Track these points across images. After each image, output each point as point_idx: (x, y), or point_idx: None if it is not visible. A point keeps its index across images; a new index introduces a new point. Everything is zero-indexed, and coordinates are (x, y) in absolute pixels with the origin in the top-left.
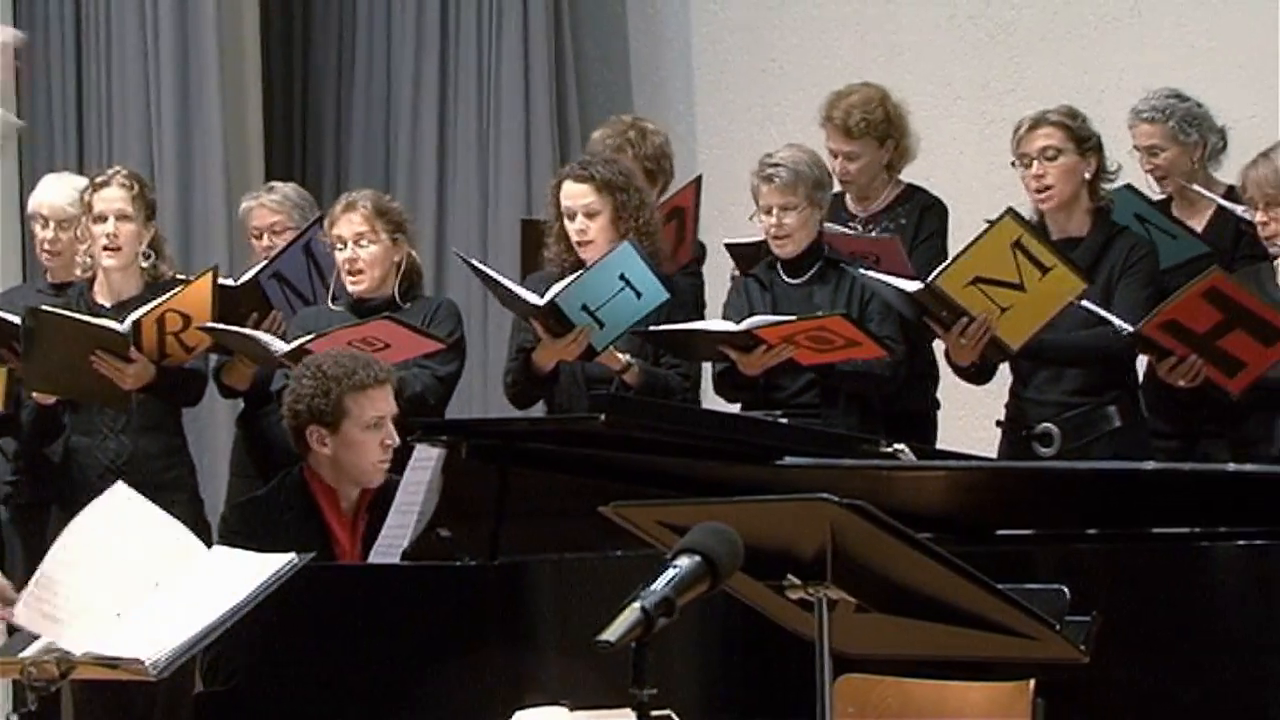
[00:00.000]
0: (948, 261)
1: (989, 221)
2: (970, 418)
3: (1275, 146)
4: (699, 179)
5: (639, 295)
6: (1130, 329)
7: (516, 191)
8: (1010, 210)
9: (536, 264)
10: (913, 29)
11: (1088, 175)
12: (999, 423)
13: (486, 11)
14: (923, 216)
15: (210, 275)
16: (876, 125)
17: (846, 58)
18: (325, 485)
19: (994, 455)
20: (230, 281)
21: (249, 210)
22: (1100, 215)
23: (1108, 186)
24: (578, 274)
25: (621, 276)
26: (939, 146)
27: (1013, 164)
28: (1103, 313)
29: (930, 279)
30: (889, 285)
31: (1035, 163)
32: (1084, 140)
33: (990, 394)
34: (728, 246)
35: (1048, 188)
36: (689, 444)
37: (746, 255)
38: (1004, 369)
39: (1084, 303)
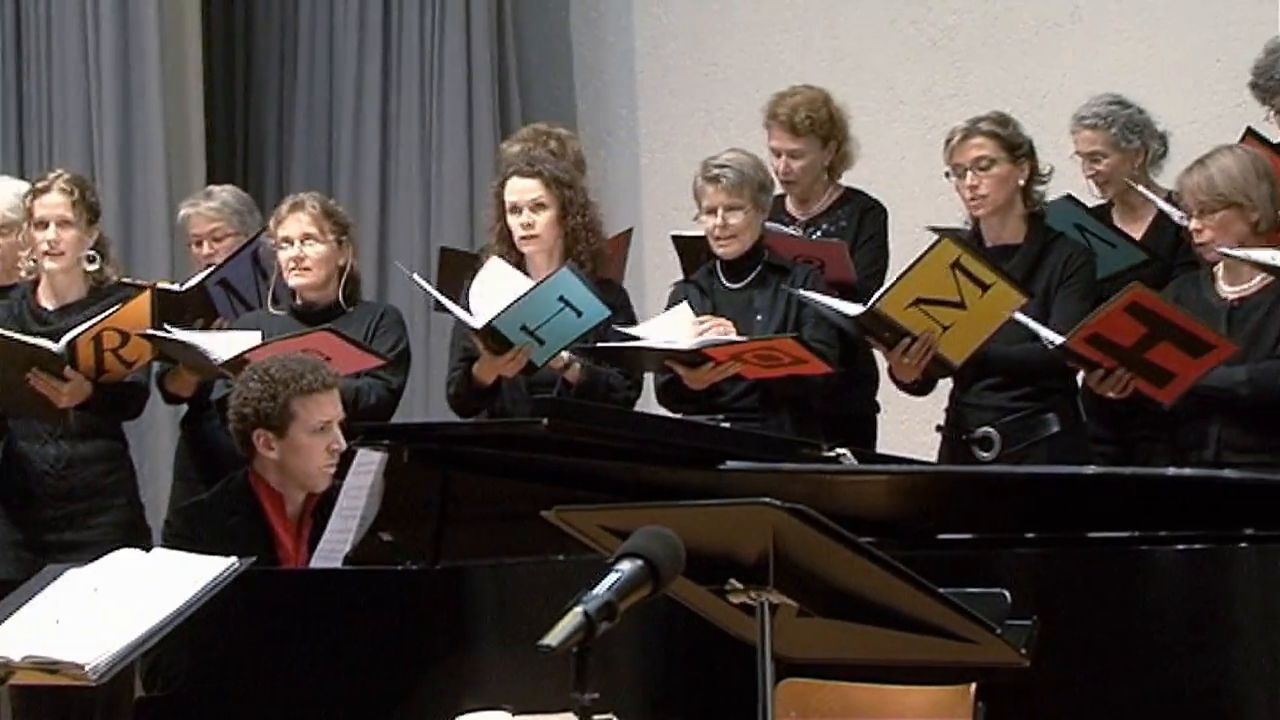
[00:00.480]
0: (888, 284)
1: (937, 231)
2: (913, 422)
3: (1210, 154)
4: (630, 231)
5: (579, 314)
6: (1058, 342)
7: (459, 195)
8: (947, 233)
9: (452, 292)
10: (855, 34)
11: (1021, 181)
12: (939, 427)
13: (429, 15)
14: (863, 219)
15: (149, 293)
16: (821, 124)
17: (789, 62)
18: (270, 489)
19: (934, 459)
20: (175, 286)
21: (187, 217)
22: (1035, 221)
23: (1040, 189)
24: (516, 298)
25: (561, 298)
26: (881, 151)
27: (947, 174)
28: (1034, 326)
29: (871, 303)
30: (830, 307)
31: (969, 173)
32: (1016, 148)
33: (930, 398)
34: (674, 239)
35: (981, 197)
36: (631, 448)
37: (692, 249)
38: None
39: (1018, 315)
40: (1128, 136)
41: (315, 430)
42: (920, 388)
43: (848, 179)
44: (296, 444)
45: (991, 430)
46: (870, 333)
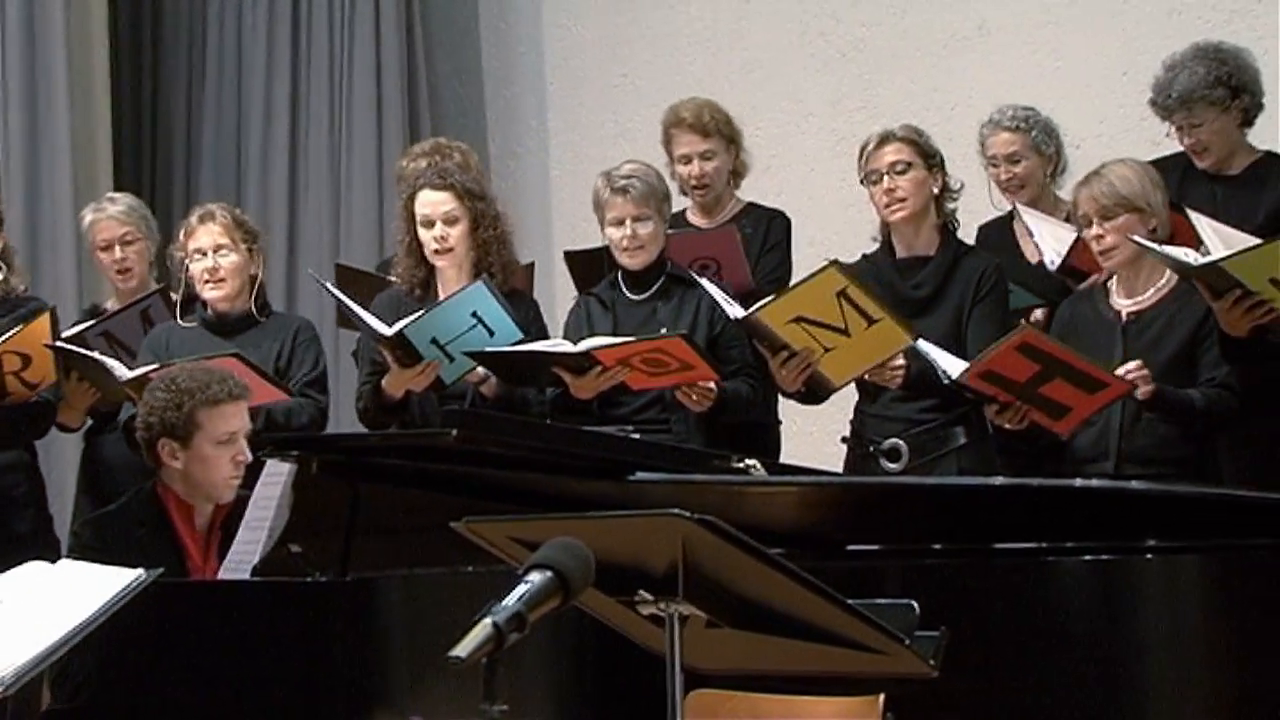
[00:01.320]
0: (773, 297)
1: (837, 265)
2: (819, 433)
3: (1104, 165)
4: (532, 265)
5: (491, 333)
6: (954, 376)
7: (369, 205)
8: (835, 262)
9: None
10: (764, 46)
11: (935, 190)
12: (844, 438)
13: (338, 23)
14: (769, 226)
15: (48, 315)
16: (725, 125)
17: (698, 74)
18: (179, 500)
19: (840, 470)
20: (56, 343)
21: (95, 223)
22: (947, 233)
23: (952, 205)
24: (427, 308)
25: (474, 314)
26: (791, 163)
27: (861, 182)
28: (932, 357)
29: (749, 311)
30: (721, 303)
31: (885, 177)
32: (930, 156)
33: (836, 408)
34: (567, 255)
35: (899, 200)
36: (541, 459)
37: (585, 263)
38: None
39: (920, 342)
40: (1046, 141)
41: (220, 441)
42: (806, 398)
43: (758, 189)
44: (201, 454)
45: (899, 442)
46: (754, 336)
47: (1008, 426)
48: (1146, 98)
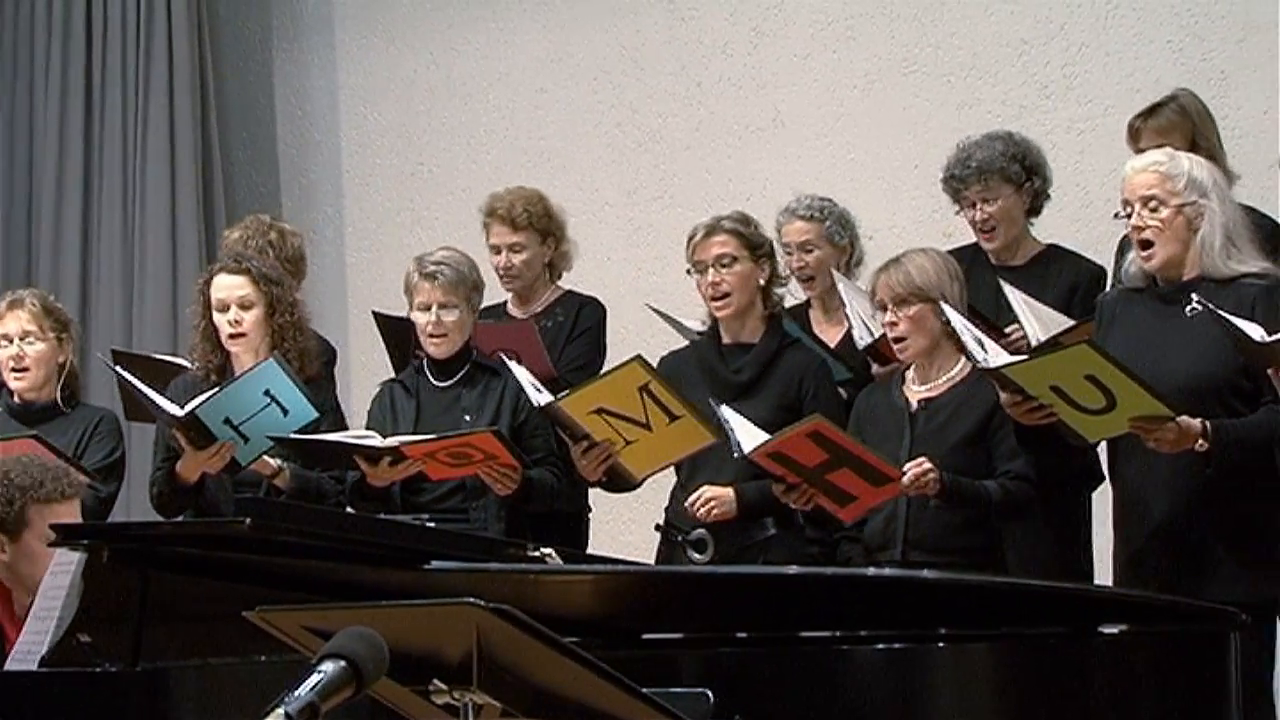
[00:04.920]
0: (573, 387)
1: (634, 358)
2: (634, 521)
3: (903, 254)
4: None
5: (285, 412)
6: (745, 450)
7: (162, 290)
8: (638, 357)
9: (128, 394)
10: (561, 135)
11: (762, 281)
12: (658, 526)
13: (132, 105)
14: (580, 312)
15: None
16: (539, 219)
17: (496, 163)
18: (2, 587)
19: (652, 559)
20: None
21: None
22: (773, 322)
23: (780, 291)
24: (220, 387)
25: (267, 392)
26: (588, 252)
27: (688, 272)
28: (730, 426)
29: (552, 400)
30: (526, 392)
31: (711, 270)
32: (757, 247)
33: (651, 494)
34: (376, 316)
35: (725, 295)
36: (336, 548)
37: (394, 330)
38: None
39: (722, 409)
40: (840, 232)
41: (49, 539)
42: (609, 486)
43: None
44: (28, 550)
45: (704, 532)
46: (555, 425)
47: (793, 506)
48: (937, 189)
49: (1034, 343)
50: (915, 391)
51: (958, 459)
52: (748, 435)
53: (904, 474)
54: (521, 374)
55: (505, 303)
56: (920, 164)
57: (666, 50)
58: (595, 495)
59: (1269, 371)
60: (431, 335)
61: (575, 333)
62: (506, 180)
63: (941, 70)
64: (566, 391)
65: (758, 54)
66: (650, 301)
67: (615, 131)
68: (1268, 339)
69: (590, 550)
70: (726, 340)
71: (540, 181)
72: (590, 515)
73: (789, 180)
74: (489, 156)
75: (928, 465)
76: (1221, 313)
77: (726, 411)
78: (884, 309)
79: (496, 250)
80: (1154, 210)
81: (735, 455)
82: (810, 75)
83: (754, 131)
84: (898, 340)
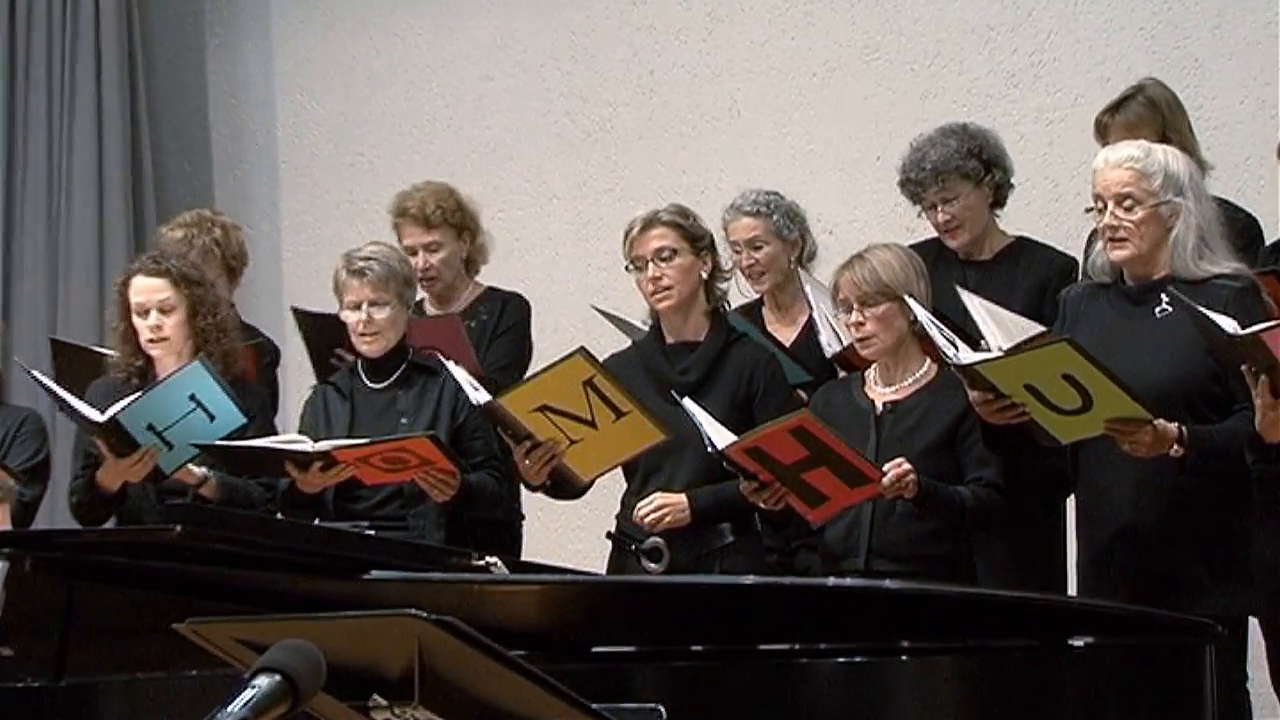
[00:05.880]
0: (514, 385)
1: (586, 354)
2: (566, 529)
3: (867, 249)
4: (259, 344)
5: (212, 418)
6: (719, 447)
7: (88, 288)
8: (581, 349)
9: (71, 384)
10: (507, 125)
11: (704, 274)
12: (609, 534)
13: (57, 92)
14: (504, 309)
15: None
16: (452, 214)
17: (438, 154)
18: None
19: (603, 568)
20: None
21: None
22: (717, 318)
23: (723, 285)
24: (142, 391)
25: (192, 397)
26: (535, 246)
27: (627, 268)
28: (702, 425)
29: (491, 398)
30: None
31: (651, 264)
32: (698, 239)
33: (584, 502)
34: (295, 312)
35: (666, 289)
36: (271, 557)
37: (316, 328)
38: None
39: (686, 401)
40: (788, 226)
41: None
42: (554, 492)
43: (500, 274)
44: None
45: (659, 540)
46: (496, 426)
47: (762, 505)
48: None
49: (996, 352)
50: (880, 393)
51: (926, 464)
52: (716, 431)
53: (885, 475)
54: (460, 373)
55: (422, 301)
56: (882, 155)
57: (618, 36)
58: (541, 502)
59: (1242, 368)
60: (363, 334)
61: (499, 330)
62: (450, 172)
63: (905, 58)
64: (506, 389)
65: (713, 40)
66: (600, 298)
67: (564, 121)
68: (1240, 331)
69: (528, 559)
70: (670, 339)
71: (485, 173)
72: (523, 523)
73: (745, 172)
74: (432, 147)
75: (908, 466)
76: (1193, 305)
77: (690, 405)
78: (849, 308)
79: (412, 252)
80: (1129, 210)
81: (709, 450)
82: (768, 62)
83: (709, 121)
84: (863, 340)
